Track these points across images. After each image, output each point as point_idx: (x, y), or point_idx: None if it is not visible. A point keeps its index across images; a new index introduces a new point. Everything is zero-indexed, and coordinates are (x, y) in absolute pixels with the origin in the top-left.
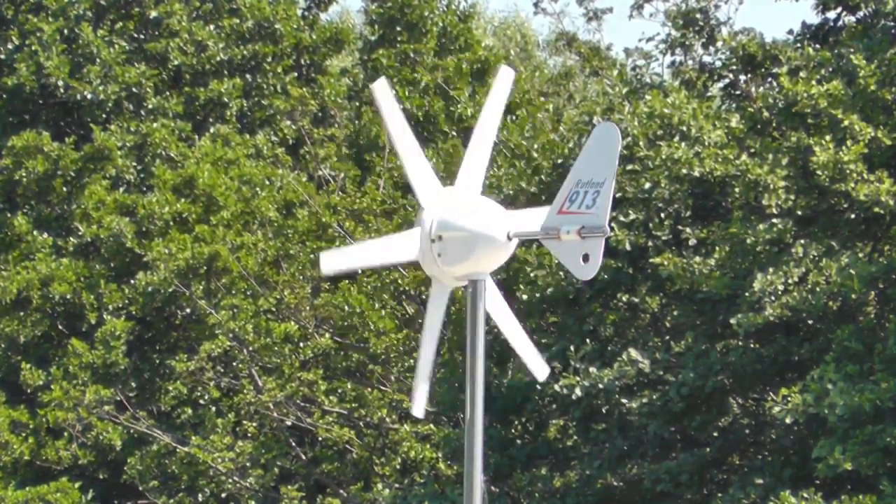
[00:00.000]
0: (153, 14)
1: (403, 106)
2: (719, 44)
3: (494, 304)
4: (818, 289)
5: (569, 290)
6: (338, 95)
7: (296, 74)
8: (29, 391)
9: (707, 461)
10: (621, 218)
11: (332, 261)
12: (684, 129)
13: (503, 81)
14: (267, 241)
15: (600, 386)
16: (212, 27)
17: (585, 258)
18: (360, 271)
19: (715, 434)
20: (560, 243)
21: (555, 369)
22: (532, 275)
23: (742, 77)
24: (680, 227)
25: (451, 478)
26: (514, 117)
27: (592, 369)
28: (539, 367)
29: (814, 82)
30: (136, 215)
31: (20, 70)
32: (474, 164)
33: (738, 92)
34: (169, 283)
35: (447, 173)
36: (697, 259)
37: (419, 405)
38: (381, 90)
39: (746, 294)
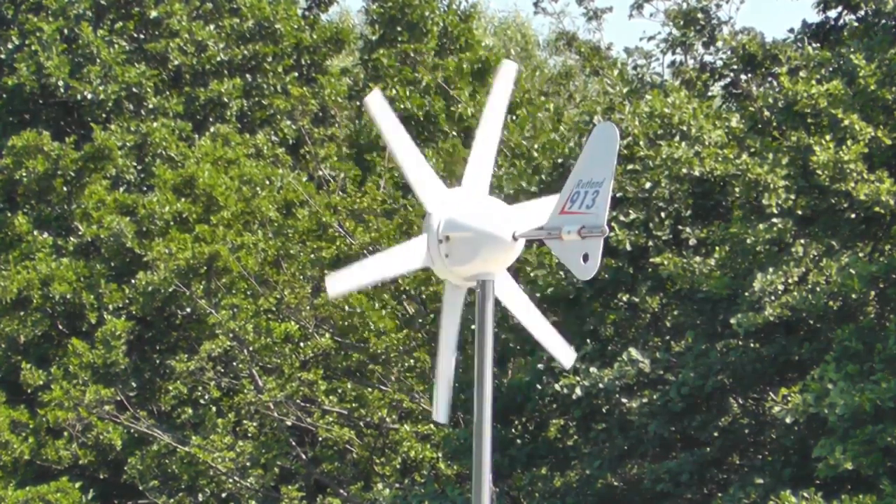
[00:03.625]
0: (153, 14)
1: (403, 105)
2: (720, 43)
3: (512, 298)
4: (818, 288)
5: (569, 290)
6: (338, 95)
7: (296, 74)
8: (29, 391)
9: (707, 461)
10: (621, 217)
11: (338, 283)
12: (684, 128)
13: (505, 77)
14: (267, 241)
15: (600, 386)
16: (212, 27)
17: (585, 258)
18: None
19: (715, 434)
20: (562, 243)
21: (555, 369)
22: (532, 274)
23: (742, 76)
24: (680, 227)
25: (451, 478)
26: (514, 117)
27: (592, 369)
28: (565, 354)
29: (814, 82)
30: (136, 215)
31: (20, 70)
32: (480, 164)
33: (738, 91)
34: (169, 282)
35: (447, 173)
36: (697, 259)
37: (443, 411)
38: (375, 102)
39: (746, 294)
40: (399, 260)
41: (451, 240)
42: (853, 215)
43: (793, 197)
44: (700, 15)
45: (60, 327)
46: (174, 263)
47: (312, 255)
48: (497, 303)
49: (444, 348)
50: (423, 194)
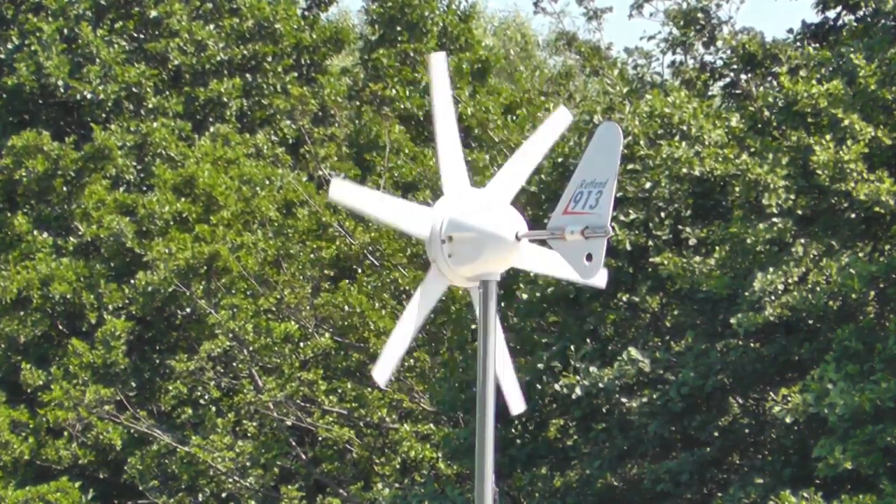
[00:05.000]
0: (153, 14)
1: (403, 105)
2: (720, 43)
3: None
4: (818, 288)
5: (569, 290)
6: (338, 95)
7: (296, 74)
8: (29, 391)
9: (707, 461)
10: (622, 217)
11: (343, 191)
12: (685, 128)
13: (559, 122)
14: (267, 241)
15: (600, 385)
16: (212, 27)
17: (588, 258)
18: (360, 270)
19: (715, 434)
20: (565, 243)
21: (555, 369)
22: (532, 274)
23: (742, 76)
24: (680, 227)
25: (451, 477)
26: (514, 117)
27: (592, 369)
28: (515, 403)
29: (814, 82)
30: (136, 215)
31: (20, 70)
32: (511, 179)
33: (738, 91)
34: (169, 282)
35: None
36: (697, 259)
37: (382, 374)
38: (438, 63)
39: (746, 294)
40: (407, 217)
41: (454, 240)
42: (853, 215)
43: (793, 197)
44: (700, 15)
45: (60, 327)
46: (174, 263)
47: (312, 255)
48: (497, 303)
49: (407, 320)
50: (445, 173)
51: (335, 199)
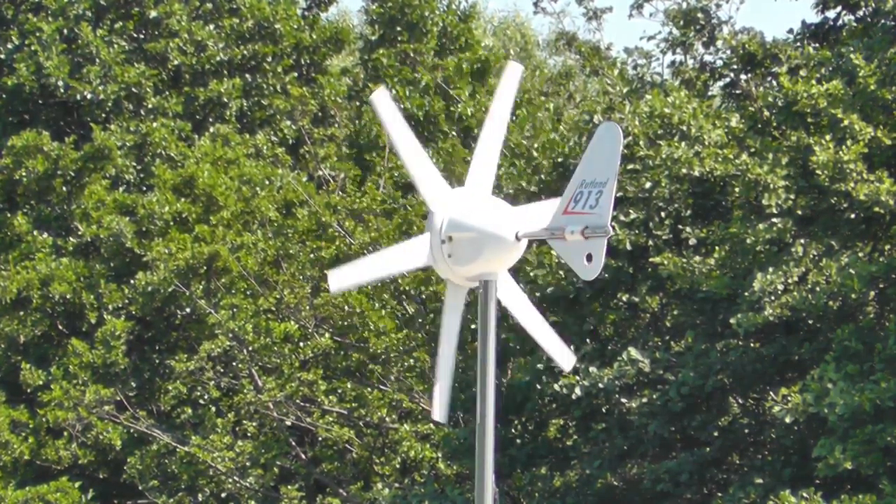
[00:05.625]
0: (153, 14)
1: (403, 106)
2: (720, 43)
3: (513, 299)
4: (818, 288)
5: (569, 290)
6: (338, 95)
7: (296, 74)
8: (29, 391)
9: (707, 461)
10: (622, 217)
11: (341, 279)
12: (684, 128)
13: (511, 77)
14: (267, 241)
15: (600, 385)
16: (212, 27)
17: (589, 258)
18: None
19: (715, 434)
20: (565, 243)
21: (555, 369)
22: (532, 274)
23: (742, 76)
24: (680, 227)
25: (450, 477)
26: (514, 117)
27: (592, 369)
28: (564, 357)
29: (814, 82)
30: (136, 215)
31: (20, 70)
32: (484, 164)
33: (738, 91)
34: (169, 282)
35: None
36: (697, 259)
37: (441, 410)
38: (381, 99)
39: (746, 294)
40: (402, 258)
41: (454, 240)
42: (853, 215)
43: (793, 197)
44: (700, 15)
45: (60, 327)
46: (174, 263)
47: (312, 255)
48: (497, 302)
49: (445, 347)
50: (426, 194)
51: (337, 291)
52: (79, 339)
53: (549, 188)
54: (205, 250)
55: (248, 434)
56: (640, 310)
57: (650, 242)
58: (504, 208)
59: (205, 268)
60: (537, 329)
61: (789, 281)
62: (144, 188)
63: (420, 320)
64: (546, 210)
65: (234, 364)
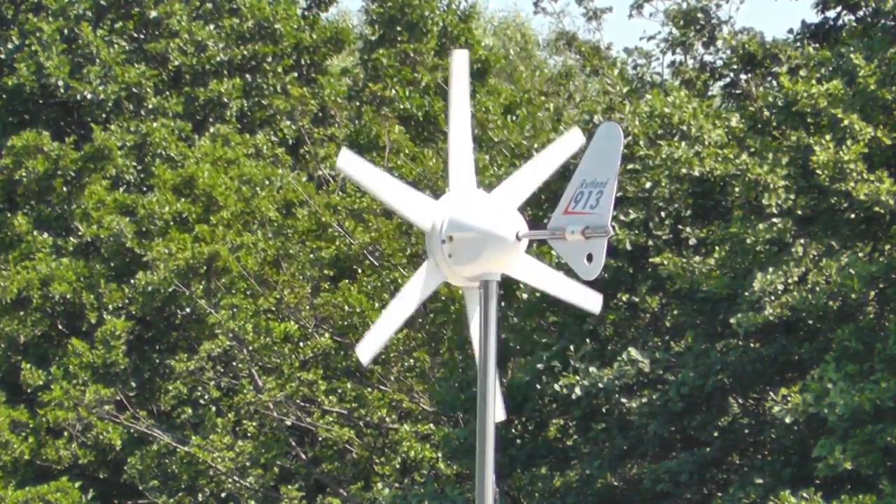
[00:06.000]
0: (153, 14)
1: (403, 106)
2: (719, 43)
3: (525, 272)
4: (818, 288)
5: None
6: (338, 95)
7: (296, 74)
8: (29, 391)
9: (707, 461)
10: (622, 217)
11: (368, 349)
12: (684, 128)
13: (459, 66)
14: (267, 241)
15: (600, 385)
16: (212, 27)
17: (589, 258)
18: (359, 270)
19: (715, 434)
20: (566, 244)
21: (554, 369)
22: None
23: (742, 76)
24: (680, 227)
25: (450, 477)
26: (514, 117)
27: (592, 369)
28: (591, 300)
29: (814, 81)
30: (136, 215)
31: (20, 70)
32: (461, 161)
33: (738, 91)
34: (169, 282)
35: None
36: (697, 259)
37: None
38: (460, 60)
39: (746, 294)
40: (415, 293)
41: (455, 240)
42: (853, 215)
43: (793, 197)
44: (700, 15)
45: (60, 327)
46: (174, 263)
47: (312, 255)
48: (497, 302)
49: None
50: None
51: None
52: (79, 339)
53: (549, 188)
54: (205, 250)
55: (248, 434)
56: (640, 310)
57: (650, 242)
58: (504, 208)
59: (205, 268)
60: (556, 284)
61: (789, 281)
62: (144, 188)
63: (420, 320)
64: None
65: (234, 364)
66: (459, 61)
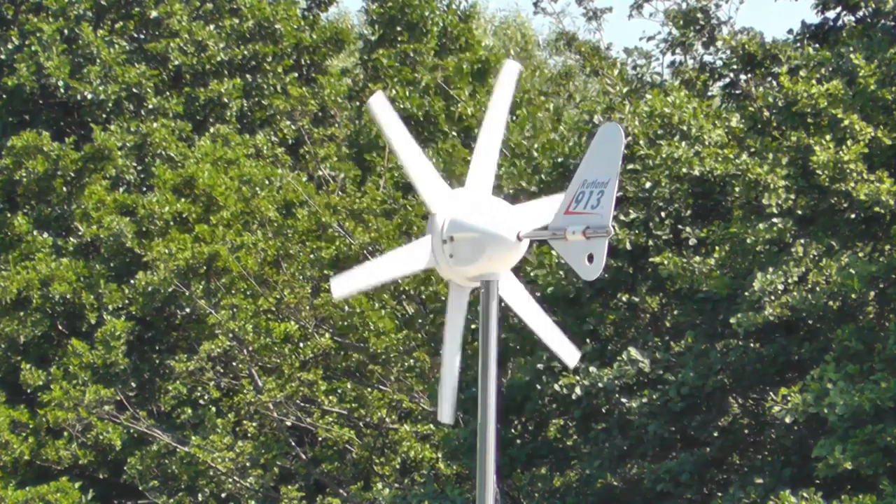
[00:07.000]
0: (153, 14)
1: (403, 106)
2: (719, 43)
3: (516, 297)
4: (818, 288)
5: (569, 290)
6: (338, 95)
7: (296, 74)
8: (29, 391)
9: (707, 461)
10: (622, 217)
11: (342, 285)
12: (684, 128)
13: (508, 76)
14: (267, 241)
15: (600, 385)
16: (212, 27)
17: (590, 258)
18: None
19: (715, 434)
20: (567, 244)
21: (555, 369)
22: (532, 274)
23: (742, 76)
24: (680, 227)
25: (450, 477)
26: (514, 117)
27: (592, 369)
28: (569, 354)
29: (814, 82)
30: (136, 215)
31: (20, 70)
32: (483, 164)
33: (738, 91)
34: (169, 283)
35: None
36: (697, 259)
37: (447, 412)
38: (378, 103)
39: (746, 294)
40: (403, 261)
41: (456, 240)
42: (853, 215)
43: (793, 197)
44: (700, 15)
45: (60, 327)
46: (174, 263)
47: (312, 255)
48: (498, 302)
49: (449, 347)
50: (426, 195)
51: (339, 297)
52: (79, 340)
53: (550, 188)
54: (205, 250)
55: (248, 434)
56: (640, 310)
57: (650, 242)
58: (505, 208)
59: (205, 268)
60: (541, 327)
61: (789, 281)
62: (144, 188)
63: (420, 320)
64: (545, 208)
65: (234, 364)
66: (510, 71)
